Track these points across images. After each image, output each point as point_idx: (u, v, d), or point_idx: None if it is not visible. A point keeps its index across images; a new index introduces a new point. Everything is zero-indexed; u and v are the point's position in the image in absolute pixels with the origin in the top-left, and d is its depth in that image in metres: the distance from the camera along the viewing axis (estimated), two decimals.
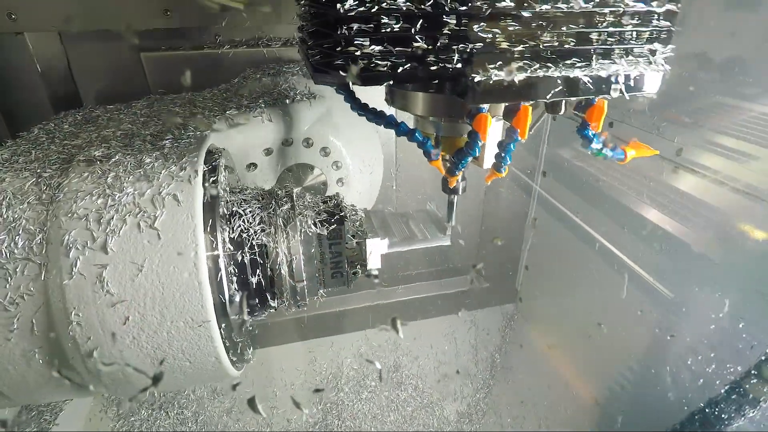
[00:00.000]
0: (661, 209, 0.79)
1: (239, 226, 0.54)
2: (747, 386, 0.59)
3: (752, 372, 0.58)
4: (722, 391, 0.62)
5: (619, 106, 0.88)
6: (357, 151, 0.87)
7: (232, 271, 0.53)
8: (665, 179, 0.78)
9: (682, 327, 0.77)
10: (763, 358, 0.58)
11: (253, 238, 0.55)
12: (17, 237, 0.46)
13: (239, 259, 0.54)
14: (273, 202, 0.58)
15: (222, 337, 0.51)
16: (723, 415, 0.61)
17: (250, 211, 0.56)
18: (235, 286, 0.54)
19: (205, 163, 0.54)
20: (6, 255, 0.46)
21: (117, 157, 0.52)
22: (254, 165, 0.76)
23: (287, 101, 0.75)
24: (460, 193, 0.64)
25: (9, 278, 0.45)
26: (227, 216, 0.55)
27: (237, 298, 0.55)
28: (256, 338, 0.71)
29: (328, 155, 0.82)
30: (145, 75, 0.85)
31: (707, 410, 0.64)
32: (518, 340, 1.29)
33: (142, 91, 0.86)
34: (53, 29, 0.77)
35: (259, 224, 0.56)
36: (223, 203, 0.55)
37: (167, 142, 0.56)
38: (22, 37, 0.76)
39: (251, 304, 0.57)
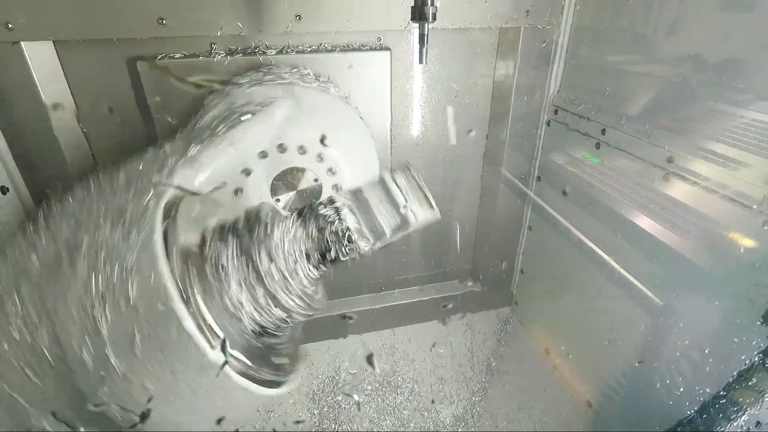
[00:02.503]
0: (651, 216, 0.80)
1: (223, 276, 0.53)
2: (734, 392, 0.60)
3: (739, 378, 0.59)
4: (709, 398, 0.63)
5: (612, 113, 0.89)
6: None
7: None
8: (656, 186, 0.78)
9: (673, 333, 0.78)
10: (747, 364, 0.58)
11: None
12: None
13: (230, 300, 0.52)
14: (254, 250, 0.54)
15: (246, 367, 0.52)
16: (710, 421, 0.62)
17: (231, 259, 0.53)
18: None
19: (165, 218, 0.53)
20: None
21: (85, 246, 0.52)
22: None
23: (245, 117, 0.75)
24: (430, 19, 0.62)
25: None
26: (212, 263, 0.53)
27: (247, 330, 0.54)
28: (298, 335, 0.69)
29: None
30: (141, 82, 0.85)
31: (696, 416, 0.65)
32: (514, 343, 1.30)
33: (137, 99, 0.87)
34: (49, 38, 0.77)
35: (246, 271, 0.53)
36: (197, 252, 0.53)
37: (127, 214, 0.55)
38: (18, 47, 0.76)
39: (259, 333, 0.56)
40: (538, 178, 1.14)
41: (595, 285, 0.96)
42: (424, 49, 0.65)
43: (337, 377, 1.23)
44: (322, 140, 0.79)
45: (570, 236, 1.03)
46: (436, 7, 0.62)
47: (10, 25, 0.73)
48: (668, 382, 0.79)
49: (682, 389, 0.75)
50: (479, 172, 1.19)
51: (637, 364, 0.82)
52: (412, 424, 1.16)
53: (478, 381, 1.24)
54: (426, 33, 0.64)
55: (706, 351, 0.71)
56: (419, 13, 0.61)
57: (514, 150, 1.13)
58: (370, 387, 1.22)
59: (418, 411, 1.18)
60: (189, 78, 0.85)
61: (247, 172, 0.77)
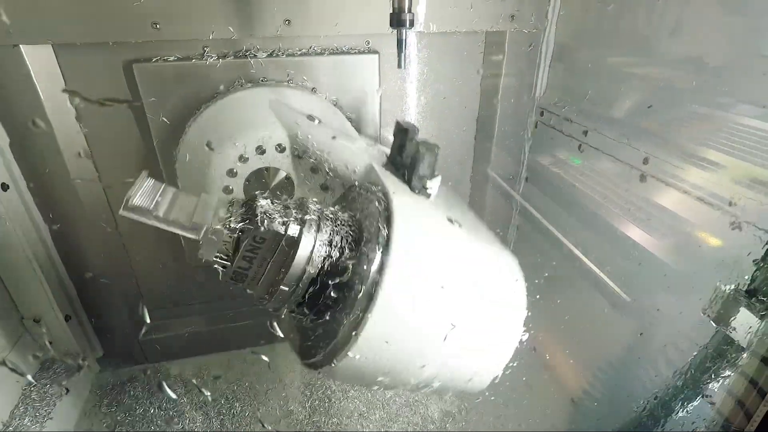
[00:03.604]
0: (628, 216, 0.82)
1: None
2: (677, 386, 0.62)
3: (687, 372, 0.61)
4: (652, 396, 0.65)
5: (593, 115, 0.91)
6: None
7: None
8: (632, 187, 0.81)
9: (646, 329, 0.80)
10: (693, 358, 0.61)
11: None
12: None
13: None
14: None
15: None
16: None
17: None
18: None
19: None
20: None
21: None
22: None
23: None
24: (408, 26, 0.64)
25: None
26: None
27: None
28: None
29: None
30: (136, 84, 0.88)
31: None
32: None
33: (134, 100, 0.91)
34: (48, 42, 0.81)
35: None
36: None
37: None
38: (17, 49, 0.79)
39: None
40: (526, 179, 1.17)
41: (581, 284, 0.99)
42: (402, 54, 0.68)
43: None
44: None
45: (555, 236, 1.05)
46: (413, 14, 0.65)
47: (9, 30, 0.77)
48: (646, 378, 0.81)
49: (658, 385, 0.77)
50: (468, 173, 1.22)
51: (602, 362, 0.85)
52: (400, 419, 1.18)
53: None
54: (404, 39, 0.67)
55: (680, 347, 0.73)
56: (397, 20, 0.64)
57: (502, 151, 1.15)
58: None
59: (407, 405, 1.21)
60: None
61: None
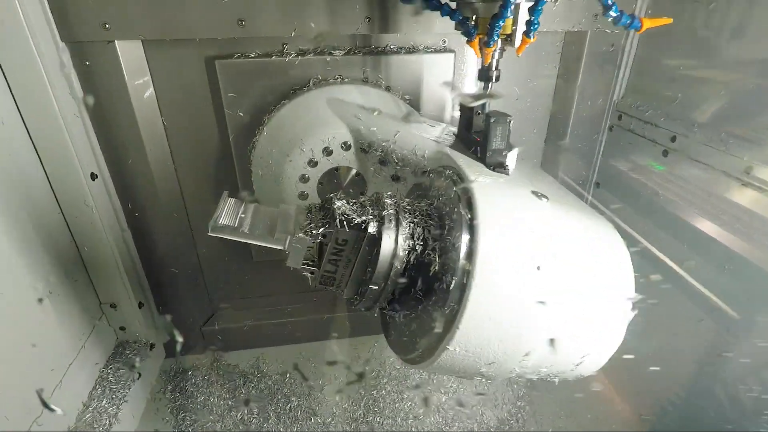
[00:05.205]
0: (723, 226, 0.77)
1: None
2: None
3: None
4: None
5: (683, 120, 0.87)
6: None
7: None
8: (730, 196, 0.76)
9: (740, 346, 0.75)
10: None
11: None
12: None
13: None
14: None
15: None
16: None
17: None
18: None
19: None
20: None
21: None
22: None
23: None
24: (494, 80, 0.69)
25: None
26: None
27: None
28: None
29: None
30: (217, 79, 0.90)
31: None
32: None
33: (212, 94, 0.93)
34: (140, 38, 0.83)
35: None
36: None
37: None
38: (112, 45, 0.82)
39: None
40: (597, 184, 1.12)
41: (657, 293, 0.94)
42: (487, 102, 0.71)
43: (382, 371, 1.26)
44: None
45: (630, 244, 1.00)
46: (499, 71, 0.71)
47: (107, 26, 0.80)
48: (730, 397, 0.76)
49: (744, 405, 0.73)
50: None
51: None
52: (456, 424, 1.16)
53: (524, 385, 1.24)
54: (490, 89, 0.72)
55: None
56: (485, 76, 0.71)
57: (572, 154, 1.11)
58: (414, 383, 1.24)
59: (463, 411, 1.19)
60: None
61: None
